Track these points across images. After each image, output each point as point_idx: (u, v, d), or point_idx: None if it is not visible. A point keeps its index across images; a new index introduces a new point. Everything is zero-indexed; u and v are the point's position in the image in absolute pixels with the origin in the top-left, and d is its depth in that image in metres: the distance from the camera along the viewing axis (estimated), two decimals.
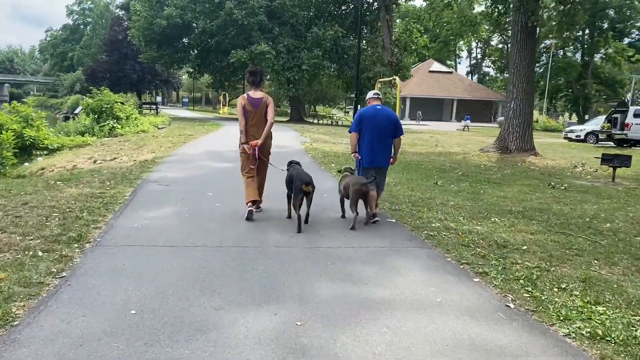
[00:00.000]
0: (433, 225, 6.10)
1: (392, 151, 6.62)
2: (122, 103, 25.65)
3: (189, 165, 10.62)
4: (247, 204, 6.24)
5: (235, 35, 32.89)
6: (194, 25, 33.62)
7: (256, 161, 6.37)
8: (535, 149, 16.18)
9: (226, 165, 10.89)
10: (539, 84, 65.98)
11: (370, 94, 6.80)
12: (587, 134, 27.47)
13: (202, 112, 57.79)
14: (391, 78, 20.44)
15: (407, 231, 5.89)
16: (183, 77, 78.08)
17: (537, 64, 67.75)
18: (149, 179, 8.65)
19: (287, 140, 17.82)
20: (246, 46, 33.03)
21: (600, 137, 26.96)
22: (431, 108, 60.29)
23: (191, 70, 39.36)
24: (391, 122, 6.44)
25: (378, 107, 6.50)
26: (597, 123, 28.27)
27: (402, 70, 38.11)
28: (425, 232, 5.79)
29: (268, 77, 43.06)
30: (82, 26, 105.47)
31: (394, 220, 6.36)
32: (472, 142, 23.81)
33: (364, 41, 36.41)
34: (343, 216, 6.50)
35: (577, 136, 27.90)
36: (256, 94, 6.36)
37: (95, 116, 20.62)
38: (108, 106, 20.78)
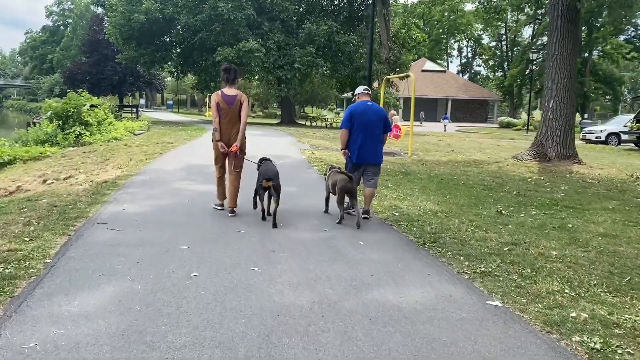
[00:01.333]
0: (574, 320, 3.44)
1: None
2: (95, 106, 22.91)
3: (159, 190, 7.91)
4: (215, 204, 6.69)
5: (221, 31, 30.13)
6: (176, 20, 30.79)
7: (225, 157, 6.62)
8: (578, 156, 13.70)
9: (210, 187, 8.23)
10: (534, 82, 64.07)
11: (359, 89, 6.81)
12: (608, 135, 25.13)
13: (187, 115, 54.85)
14: (404, 75, 17.92)
15: (539, 337, 3.24)
16: (167, 78, 75.20)
17: (534, 61, 65.90)
18: (98, 216, 5.94)
19: (284, 148, 15.19)
20: (233, 43, 30.28)
21: (622, 139, 24.66)
22: (425, 108, 58.21)
23: (174, 70, 36.43)
24: (381, 118, 6.48)
25: (368, 103, 6.52)
26: (618, 123, 25.93)
27: (400, 68, 35.64)
28: (576, 338, 3.16)
29: (257, 77, 40.41)
30: (62, 27, 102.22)
31: (499, 305, 3.71)
32: (488, 146, 21.33)
33: (359, 37, 33.83)
34: (326, 211, 6.70)
35: (597, 137, 25.54)
36: (230, 91, 6.34)
37: (60, 122, 17.80)
38: (75, 110, 17.97)
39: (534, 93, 73.25)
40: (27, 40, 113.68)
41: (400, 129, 16.38)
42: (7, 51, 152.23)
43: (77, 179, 9.70)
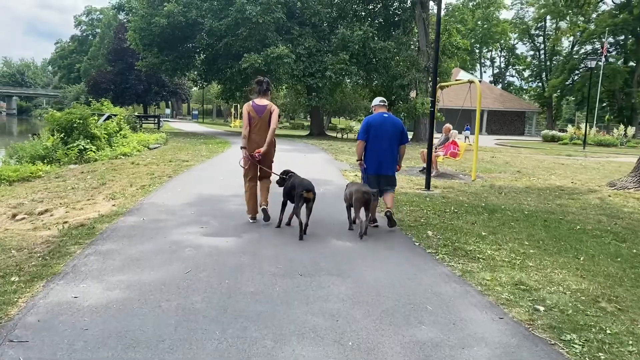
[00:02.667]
0: None
1: (398, 158, 6.63)
2: (110, 117, 20.81)
3: (150, 246, 5.26)
4: (248, 214, 6.66)
5: (248, 36, 27.85)
6: (200, 24, 28.63)
7: (256, 167, 6.61)
8: None
9: (228, 240, 5.64)
10: (577, 93, 60.33)
11: (376, 101, 6.79)
12: None
13: (212, 126, 52.87)
14: (467, 80, 15.15)
15: None
16: (193, 88, 73.68)
17: (577, 71, 62.27)
18: (20, 320, 3.34)
19: (322, 169, 12.57)
20: (260, 49, 27.97)
21: None
22: (460, 119, 55.25)
23: (197, 78, 34.26)
24: (398, 130, 6.48)
25: (385, 114, 6.52)
26: None
27: (440, 76, 32.83)
28: None
29: (285, 85, 38.03)
30: (90, 37, 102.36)
31: None
32: (553, 165, 18.34)
33: (396, 43, 31.13)
34: (350, 227, 6.41)
35: None
36: (262, 101, 6.47)
37: (62, 135, 15.55)
38: (80, 122, 15.71)
39: (574, 105, 69.73)
40: (57, 50, 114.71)
41: (458, 147, 13.62)
42: (40, 62, 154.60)
43: (52, 214, 7.26)
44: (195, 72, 34.05)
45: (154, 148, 18.73)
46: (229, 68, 30.29)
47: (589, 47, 59.41)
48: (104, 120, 22.81)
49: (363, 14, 34.86)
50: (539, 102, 72.12)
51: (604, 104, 61.41)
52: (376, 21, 34.18)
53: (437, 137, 14.11)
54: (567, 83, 60.55)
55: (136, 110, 71.76)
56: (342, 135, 36.50)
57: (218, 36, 28.91)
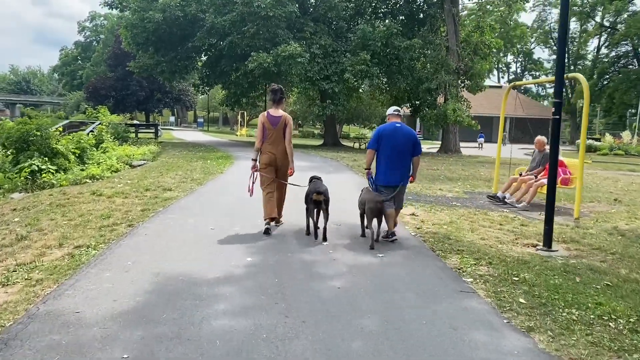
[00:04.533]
0: None
1: (412, 169, 6.50)
2: (89, 130, 17.33)
3: None
4: (265, 219, 6.48)
5: (255, 33, 24.22)
6: (201, 20, 25.05)
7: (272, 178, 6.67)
8: None
9: None
10: (607, 99, 56.31)
11: (390, 110, 6.64)
12: None
13: (217, 135, 49.26)
14: (546, 79, 11.17)
15: None
16: (201, 95, 70.27)
17: (606, 75, 58.29)
18: None
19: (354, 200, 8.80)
20: (270, 48, 24.36)
21: None
22: (480, 127, 51.77)
23: (198, 82, 30.58)
24: (410, 140, 6.34)
25: (397, 124, 6.39)
26: None
27: (473, 79, 29.06)
28: None
29: (296, 90, 34.35)
30: (95, 43, 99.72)
31: None
32: (632, 184, 14.49)
33: (424, 41, 27.36)
34: (363, 234, 6.42)
35: None
36: (277, 112, 6.56)
37: (13, 151, 11.95)
38: (38, 135, 12.09)
39: (602, 112, 65.57)
40: (61, 57, 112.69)
41: (567, 168, 9.86)
42: (46, 70, 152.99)
43: None
44: (197, 76, 30.42)
45: (139, 165, 15.07)
46: (233, 70, 26.64)
47: (622, 50, 55.32)
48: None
49: (383, 9, 31.16)
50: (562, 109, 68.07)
51: (635, 111, 57.17)
52: (398, 17, 30.47)
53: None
54: (596, 88, 56.49)
55: (138, 118, 68.50)
56: (360, 145, 32.73)
57: (221, 34, 25.30)
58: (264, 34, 24.35)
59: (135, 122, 43.71)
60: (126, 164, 14.86)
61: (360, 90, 30.71)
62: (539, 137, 10.62)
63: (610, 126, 70.55)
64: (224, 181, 11.33)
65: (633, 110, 58.39)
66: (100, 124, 21.40)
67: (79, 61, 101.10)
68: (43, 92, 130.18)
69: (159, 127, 33.30)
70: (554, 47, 70.83)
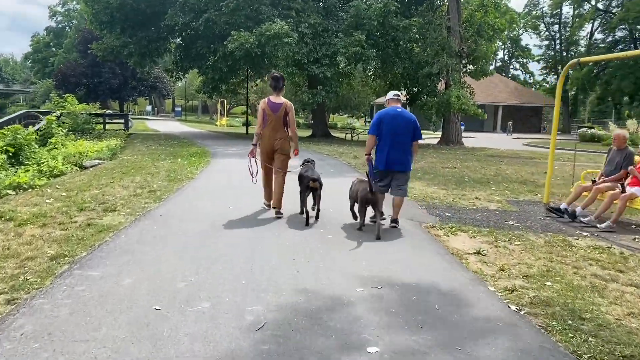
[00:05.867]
0: None
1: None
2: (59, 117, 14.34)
3: None
4: (264, 202, 6.99)
5: (235, 9, 21.18)
6: None
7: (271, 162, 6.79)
8: None
9: None
10: (603, 86, 54.31)
11: (390, 95, 6.51)
12: None
13: (195, 125, 46.00)
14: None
15: None
16: (179, 83, 66.40)
17: (602, 61, 56.10)
18: None
19: (404, 252, 6.01)
20: (252, 27, 21.36)
21: None
22: (471, 116, 49.84)
23: (172, 67, 27.31)
24: (410, 125, 6.25)
25: (398, 109, 6.30)
26: None
27: (478, 62, 26.39)
28: None
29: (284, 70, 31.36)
30: (67, 29, 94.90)
31: None
32: None
33: (419, 20, 24.51)
34: (356, 220, 6.28)
35: None
36: (278, 99, 6.65)
37: None
38: None
39: (596, 99, 63.57)
40: (32, 44, 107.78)
41: None
42: (20, 57, 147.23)
43: None
44: (170, 59, 27.21)
45: (91, 166, 12.09)
46: (211, 53, 23.52)
47: (619, 35, 53.20)
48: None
49: None
50: (553, 96, 65.99)
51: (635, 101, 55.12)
52: None
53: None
54: (592, 75, 54.42)
55: (113, 107, 64.62)
56: (352, 137, 29.91)
57: (196, 10, 22.19)
58: (245, 10, 21.33)
59: (109, 112, 40.34)
60: (75, 165, 11.87)
61: (354, 75, 27.77)
62: (618, 132, 7.93)
63: (596, 114, 68.87)
64: (195, 193, 8.43)
65: (627, 99, 56.55)
66: (52, 114, 18.32)
67: (53, 48, 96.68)
68: (16, 80, 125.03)
69: (129, 118, 30.01)
70: (546, 33, 68.69)
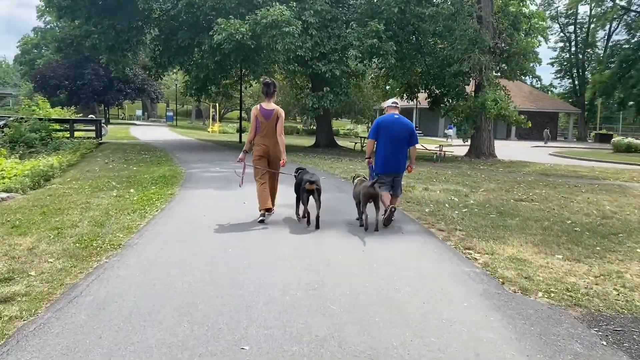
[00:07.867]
0: None
1: (409, 159, 6.84)
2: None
3: None
4: (259, 210, 6.61)
5: None
6: None
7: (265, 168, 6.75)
8: None
9: None
10: (629, 90, 50.18)
11: (388, 102, 6.92)
12: None
13: (186, 132, 41.66)
14: None
15: None
16: (171, 86, 62.03)
17: (625, 63, 52.02)
18: None
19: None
20: (245, 13, 17.18)
21: None
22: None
23: (150, 64, 22.96)
24: (407, 131, 6.62)
25: (395, 115, 6.65)
26: None
27: (513, 60, 22.15)
28: None
29: (281, 74, 27.10)
30: (57, 29, 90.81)
31: None
32: None
33: (449, 6, 20.32)
34: (362, 224, 6.40)
35: None
36: (269, 105, 6.66)
37: None
38: None
39: (616, 104, 59.42)
40: (19, 45, 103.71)
41: None
42: (12, 61, 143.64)
43: None
44: (147, 53, 22.90)
45: (9, 198, 7.79)
46: (195, 46, 19.25)
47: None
48: None
49: None
50: (568, 101, 61.85)
51: None
52: None
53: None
54: (615, 78, 50.25)
55: (99, 112, 60.26)
56: (362, 147, 25.67)
57: None
58: None
59: (92, 117, 36.09)
60: None
61: (368, 73, 23.62)
62: None
63: (602, 120, 64.97)
64: (95, 307, 4.09)
65: None
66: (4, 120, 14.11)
67: (42, 49, 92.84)
68: (7, 83, 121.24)
69: (102, 124, 25.64)
70: (560, 34, 64.56)
